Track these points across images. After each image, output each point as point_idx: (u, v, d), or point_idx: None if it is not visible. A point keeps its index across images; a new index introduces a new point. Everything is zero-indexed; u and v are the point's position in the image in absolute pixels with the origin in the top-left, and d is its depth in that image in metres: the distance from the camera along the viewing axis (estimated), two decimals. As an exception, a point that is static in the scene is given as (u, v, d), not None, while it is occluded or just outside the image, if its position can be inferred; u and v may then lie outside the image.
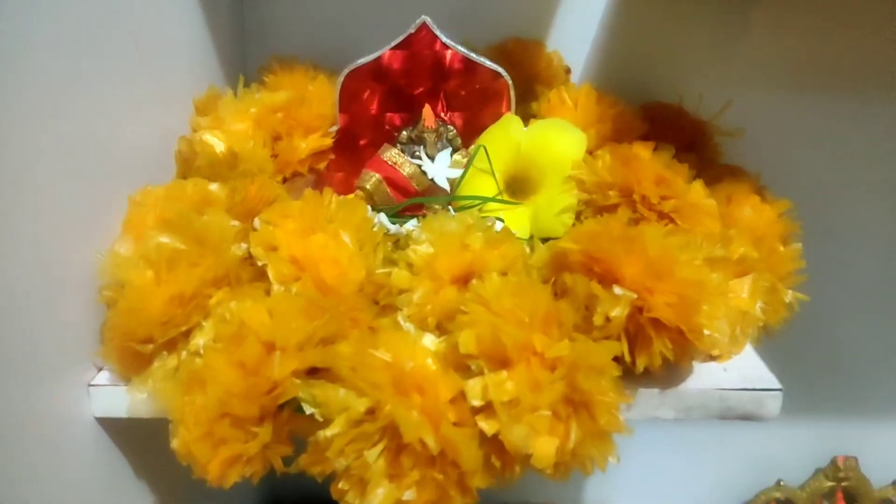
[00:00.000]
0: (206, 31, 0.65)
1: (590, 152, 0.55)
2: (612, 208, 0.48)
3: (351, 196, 0.59)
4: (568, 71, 0.73)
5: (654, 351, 0.39)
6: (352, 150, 0.65)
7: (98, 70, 0.45)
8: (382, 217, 0.51)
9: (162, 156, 0.56)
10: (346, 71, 0.61)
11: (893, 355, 0.92)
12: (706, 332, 0.40)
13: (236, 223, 0.47)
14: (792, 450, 0.97)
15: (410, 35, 0.60)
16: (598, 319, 0.39)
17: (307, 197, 0.47)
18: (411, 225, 0.52)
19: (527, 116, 0.70)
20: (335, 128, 0.63)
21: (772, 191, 0.59)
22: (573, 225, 0.50)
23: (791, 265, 0.52)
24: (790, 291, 0.52)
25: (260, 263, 0.44)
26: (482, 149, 0.54)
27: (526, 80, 0.71)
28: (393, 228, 0.49)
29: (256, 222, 0.46)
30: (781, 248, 0.52)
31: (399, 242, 0.49)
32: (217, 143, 0.56)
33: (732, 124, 0.68)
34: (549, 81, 0.71)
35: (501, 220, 0.51)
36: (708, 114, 0.68)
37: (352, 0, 0.72)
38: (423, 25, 0.60)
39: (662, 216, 0.47)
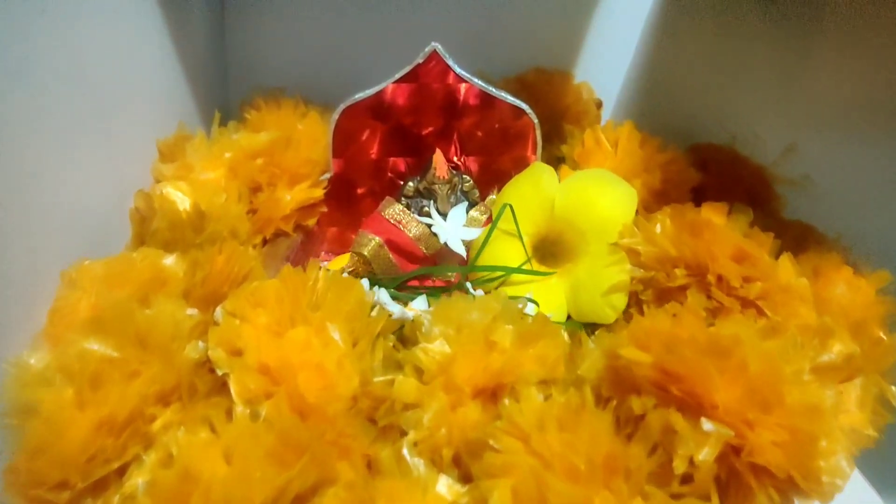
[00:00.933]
0: (176, 58, 0.55)
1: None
2: (678, 291, 0.38)
3: (342, 262, 0.48)
4: (599, 105, 0.63)
5: (754, 506, 0.28)
6: (348, 200, 0.55)
7: (28, 108, 0.35)
8: (383, 295, 0.40)
9: (115, 215, 0.45)
10: (342, 107, 0.50)
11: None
12: (824, 478, 0.29)
13: (194, 312, 0.37)
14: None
15: (418, 66, 0.50)
16: (679, 465, 0.28)
17: (286, 276, 0.37)
18: (419, 304, 0.41)
19: (552, 160, 0.60)
20: (328, 175, 0.52)
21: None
22: (627, 310, 0.40)
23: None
24: (893, 389, 0.41)
25: (220, 373, 0.33)
26: (508, 208, 0.43)
27: (551, 116, 0.61)
28: (396, 311, 0.39)
29: (218, 313, 0.35)
30: (884, 337, 0.42)
31: (404, 329, 0.38)
32: (181, 198, 0.45)
33: (793, 171, 0.58)
34: (577, 118, 0.61)
35: (533, 302, 0.41)
36: (764, 157, 0.58)
37: (350, 24, 0.62)
38: (433, 54, 0.50)
39: (746, 304, 0.36)
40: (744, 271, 0.37)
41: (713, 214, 0.39)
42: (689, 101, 0.64)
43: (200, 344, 0.35)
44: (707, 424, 0.28)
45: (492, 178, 0.55)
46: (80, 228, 0.41)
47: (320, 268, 0.37)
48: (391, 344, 0.37)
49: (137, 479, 0.31)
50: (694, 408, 0.29)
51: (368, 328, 0.37)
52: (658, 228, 0.40)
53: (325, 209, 0.53)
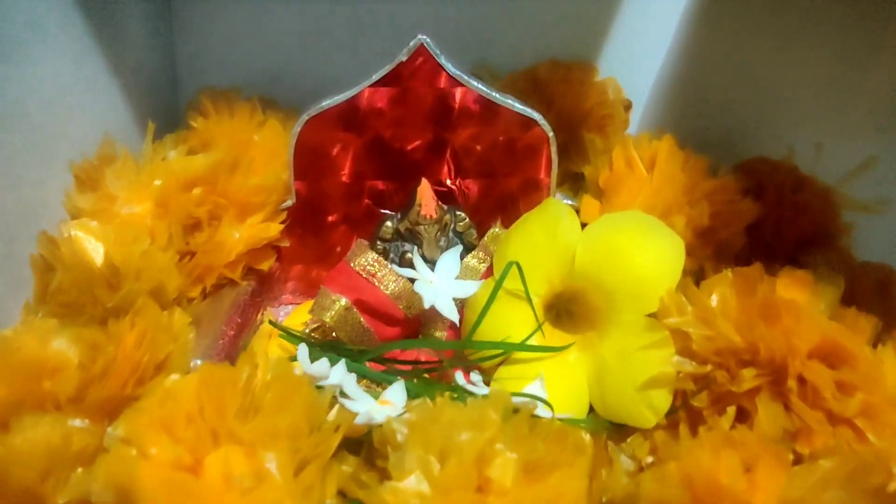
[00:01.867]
0: (106, 53, 0.44)
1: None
2: (744, 398, 0.27)
3: (304, 315, 0.38)
4: (628, 107, 0.52)
5: None
6: (315, 230, 0.45)
7: None
8: (348, 384, 0.30)
9: (10, 264, 0.35)
10: (305, 118, 0.40)
11: None
12: None
13: (83, 424, 0.27)
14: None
15: (401, 64, 0.39)
16: None
17: (206, 378, 0.27)
18: (394, 395, 0.31)
19: (569, 177, 0.50)
20: (288, 203, 0.42)
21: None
22: (672, 412, 0.29)
23: None
24: None
25: (104, 529, 0.24)
26: (514, 266, 0.33)
27: (569, 122, 0.50)
28: (362, 414, 0.29)
29: (108, 435, 0.25)
30: None
31: (373, 438, 0.29)
32: (92, 244, 0.35)
33: (864, 190, 0.47)
34: (601, 124, 0.50)
35: (547, 404, 0.30)
36: (829, 173, 0.47)
37: (321, 11, 0.51)
38: (421, 49, 0.39)
39: (838, 421, 0.26)
40: (838, 376, 0.26)
41: (794, 288, 0.29)
42: (735, 104, 0.52)
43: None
44: None
45: (495, 204, 0.44)
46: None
47: (254, 362, 0.27)
48: (350, 470, 0.27)
49: None
50: None
51: (319, 448, 0.27)
52: (715, 300, 0.30)
53: (286, 243, 0.43)
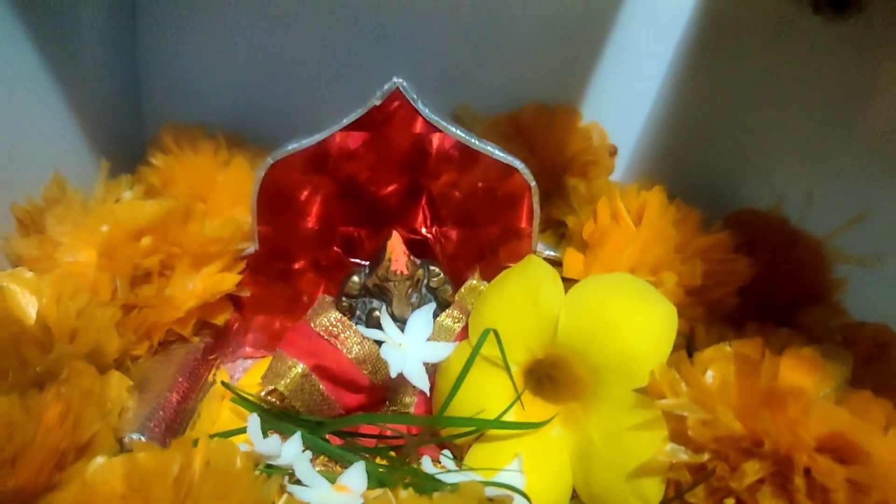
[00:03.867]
0: (59, 91, 0.41)
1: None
2: (746, 492, 0.24)
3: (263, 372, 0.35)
4: (613, 153, 0.50)
5: None
6: (281, 277, 0.41)
7: None
8: (301, 468, 0.27)
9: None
10: (271, 160, 0.37)
11: None
12: None
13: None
14: None
15: (374, 109, 0.36)
16: None
17: (132, 467, 0.23)
18: (352, 480, 0.28)
19: (552, 224, 0.47)
20: (251, 249, 0.39)
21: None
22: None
23: None
24: None
25: None
26: (492, 334, 0.30)
27: (552, 168, 0.48)
28: (314, 504, 0.25)
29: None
30: None
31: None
32: (26, 298, 0.32)
33: (853, 241, 0.45)
34: (584, 170, 0.48)
35: (524, 496, 0.27)
36: (820, 224, 0.45)
37: (299, 45, 0.48)
38: (396, 93, 0.36)
39: (850, 521, 0.23)
40: (850, 473, 0.23)
41: (800, 369, 0.26)
42: (724, 150, 0.50)
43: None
44: None
45: (474, 253, 0.42)
46: None
47: (189, 451, 0.24)
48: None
49: None
50: None
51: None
52: (711, 378, 0.27)
53: (246, 293, 0.40)
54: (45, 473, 0.24)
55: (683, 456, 0.26)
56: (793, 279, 0.41)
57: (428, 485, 0.26)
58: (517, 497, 0.26)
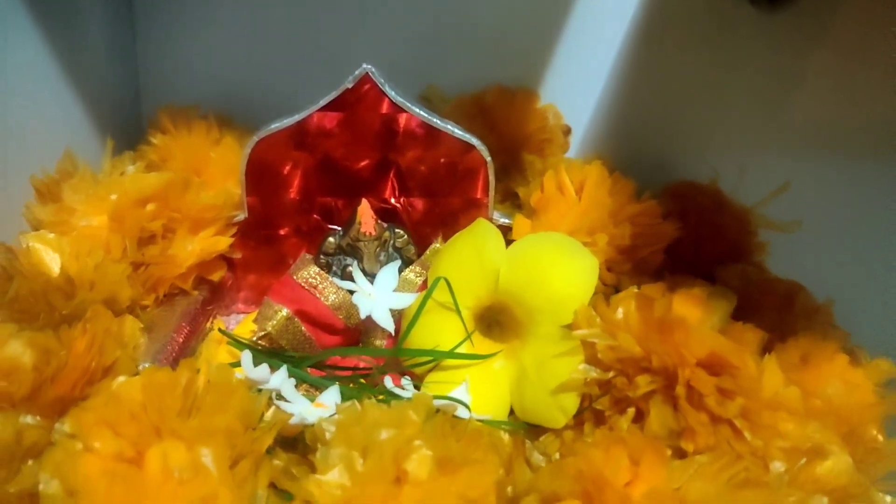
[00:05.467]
0: (68, 77, 0.46)
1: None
2: (640, 401, 0.31)
3: (252, 324, 0.41)
4: (567, 132, 0.56)
5: None
6: (268, 242, 0.47)
7: None
8: (286, 388, 0.33)
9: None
10: (255, 139, 0.43)
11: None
12: None
13: (35, 421, 0.29)
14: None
15: (347, 90, 0.42)
16: None
17: (149, 381, 0.29)
18: (329, 398, 0.34)
19: (510, 196, 0.53)
20: (240, 217, 0.45)
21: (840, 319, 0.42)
22: (580, 413, 0.32)
23: (893, 463, 0.35)
24: (888, 499, 0.35)
25: (48, 516, 0.26)
26: (443, 283, 0.36)
27: (511, 144, 0.54)
28: (296, 415, 0.31)
29: (56, 430, 0.27)
30: (881, 440, 0.35)
31: (305, 437, 0.31)
32: (49, 255, 0.37)
33: (783, 209, 0.50)
34: (541, 147, 0.54)
35: (464, 405, 0.33)
36: (751, 193, 0.51)
37: (282, 33, 0.53)
38: (366, 77, 0.42)
39: (719, 421, 0.30)
40: (720, 383, 0.30)
41: (687, 305, 0.32)
42: (669, 130, 0.56)
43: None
44: None
45: (438, 220, 0.47)
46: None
47: (195, 367, 0.30)
48: (282, 464, 0.30)
49: None
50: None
51: (254, 445, 0.29)
52: (620, 314, 0.33)
53: (238, 255, 0.45)
54: (78, 388, 0.30)
55: (594, 374, 0.32)
56: (717, 242, 0.47)
57: (387, 398, 0.32)
58: (460, 407, 0.32)
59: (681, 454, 0.30)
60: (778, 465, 0.29)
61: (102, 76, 0.50)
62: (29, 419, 0.29)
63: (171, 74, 0.54)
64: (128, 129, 0.53)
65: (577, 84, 0.57)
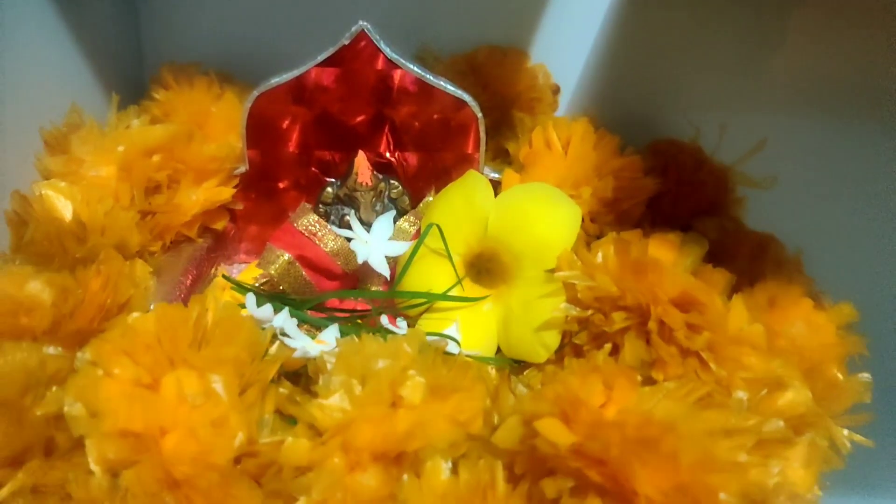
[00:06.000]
0: (72, 33, 0.47)
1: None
2: (616, 335, 0.33)
3: (255, 272, 0.43)
4: (556, 91, 0.57)
5: None
6: (268, 195, 0.49)
7: None
8: (288, 326, 0.36)
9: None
10: (256, 94, 0.44)
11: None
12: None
13: (57, 351, 0.31)
14: None
15: (343, 48, 0.43)
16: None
17: (161, 315, 0.31)
18: (329, 336, 0.36)
19: (500, 152, 0.55)
20: (242, 169, 0.47)
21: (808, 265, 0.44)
22: (561, 349, 0.35)
23: (852, 399, 0.38)
24: (846, 433, 0.38)
25: (76, 435, 0.28)
26: (435, 228, 0.38)
27: (501, 102, 0.55)
28: (299, 349, 0.34)
29: (78, 358, 0.30)
30: (841, 378, 0.38)
31: (308, 369, 0.34)
32: (62, 202, 0.39)
33: (762, 166, 0.53)
34: (530, 105, 0.56)
35: (454, 340, 0.36)
36: (730, 150, 0.53)
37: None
38: (361, 34, 0.43)
39: (688, 354, 0.32)
40: (689, 319, 0.32)
41: (661, 249, 0.34)
42: (653, 89, 0.58)
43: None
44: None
45: (431, 174, 0.49)
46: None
47: (204, 304, 0.32)
48: (287, 392, 0.33)
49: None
50: (615, 495, 0.26)
51: (260, 374, 0.32)
52: (599, 258, 0.35)
53: (239, 206, 0.47)
54: (95, 322, 0.33)
55: (574, 312, 0.34)
56: (695, 196, 0.49)
57: (383, 334, 0.35)
58: (451, 344, 0.35)
59: (652, 384, 0.33)
60: (741, 394, 0.32)
61: (106, 35, 0.51)
62: (51, 350, 0.32)
63: (173, 32, 0.55)
64: (130, 86, 0.54)
65: (567, 45, 0.58)
